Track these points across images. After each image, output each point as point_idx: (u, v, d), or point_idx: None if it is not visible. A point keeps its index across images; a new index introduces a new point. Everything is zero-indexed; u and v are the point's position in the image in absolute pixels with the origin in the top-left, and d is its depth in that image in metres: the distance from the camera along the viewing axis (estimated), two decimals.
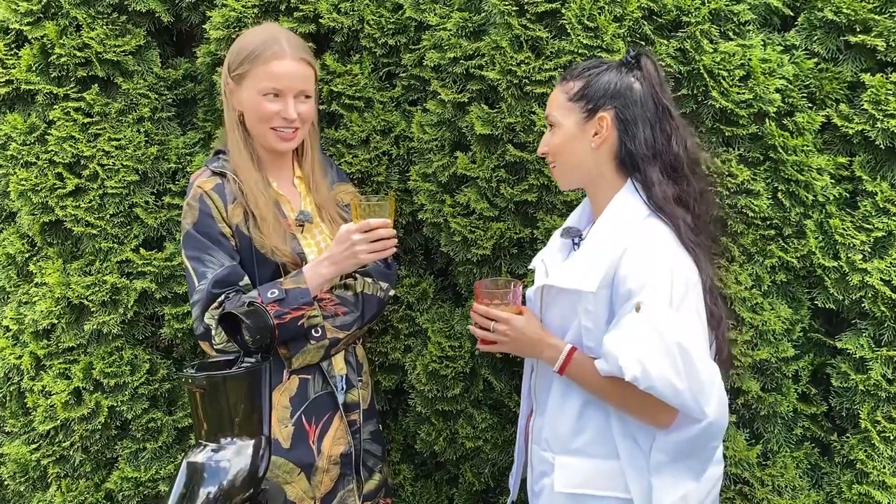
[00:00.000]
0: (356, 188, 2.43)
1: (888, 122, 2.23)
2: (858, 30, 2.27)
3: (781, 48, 2.34)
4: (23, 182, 2.64)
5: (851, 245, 2.28)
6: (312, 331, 2.12)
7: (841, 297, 2.32)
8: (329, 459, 2.17)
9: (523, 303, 2.01)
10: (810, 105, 2.34)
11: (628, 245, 1.75)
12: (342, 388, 2.23)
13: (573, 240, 1.96)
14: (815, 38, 2.33)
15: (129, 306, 2.66)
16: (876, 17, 2.24)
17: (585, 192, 1.98)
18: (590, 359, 1.82)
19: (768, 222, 2.34)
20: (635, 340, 1.69)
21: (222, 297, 2.04)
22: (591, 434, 1.85)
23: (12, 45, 2.68)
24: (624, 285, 1.73)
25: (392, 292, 2.32)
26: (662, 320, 1.69)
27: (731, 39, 2.32)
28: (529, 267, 2.12)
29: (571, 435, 1.87)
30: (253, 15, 2.50)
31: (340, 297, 2.20)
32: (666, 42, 2.30)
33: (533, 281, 2.14)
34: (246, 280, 2.09)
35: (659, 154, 1.82)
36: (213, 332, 2.03)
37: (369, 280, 2.26)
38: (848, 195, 2.35)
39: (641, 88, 1.83)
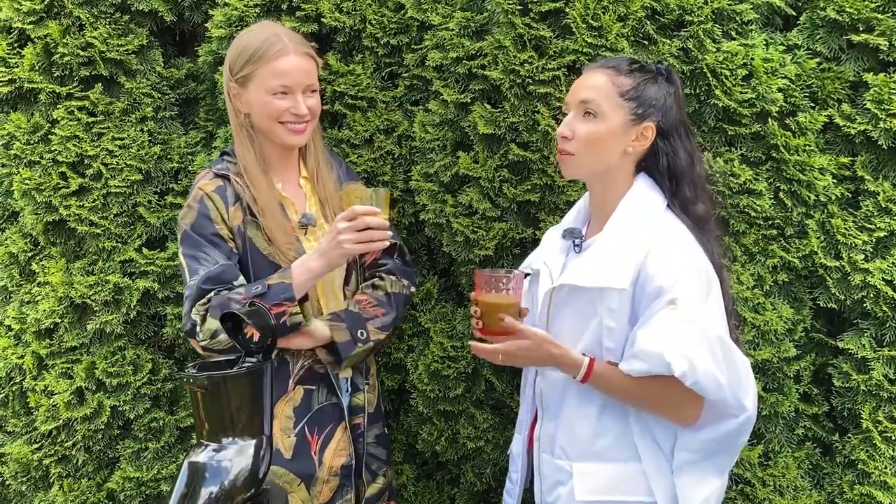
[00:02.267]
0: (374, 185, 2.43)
1: (891, 122, 2.22)
2: (861, 29, 2.27)
3: (784, 48, 2.34)
4: (26, 181, 2.65)
5: (853, 245, 2.28)
6: (359, 333, 2.10)
7: (843, 297, 2.32)
8: (330, 471, 2.16)
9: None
10: (812, 105, 2.34)
11: (653, 242, 1.75)
12: (347, 391, 2.22)
13: (574, 241, 1.94)
14: (818, 37, 2.32)
15: (132, 306, 2.66)
16: (878, 16, 2.24)
17: (587, 186, 1.97)
18: (610, 365, 1.79)
19: (770, 222, 2.34)
20: (677, 337, 1.67)
21: (211, 293, 2.03)
22: (611, 438, 1.83)
23: (15, 45, 2.69)
24: (652, 283, 1.72)
25: (413, 289, 2.30)
26: (700, 316, 1.69)
27: (734, 39, 2.31)
28: (523, 269, 2.08)
29: (591, 440, 1.84)
30: (255, 14, 2.50)
31: (376, 297, 2.19)
32: (669, 41, 2.30)
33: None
34: (240, 280, 2.07)
35: (689, 170, 1.84)
36: (198, 329, 2.01)
37: (393, 278, 2.25)
38: (850, 195, 2.35)
39: (675, 105, 1.84)
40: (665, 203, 1.84)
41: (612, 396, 1.82)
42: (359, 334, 2.11)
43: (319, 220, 2.21)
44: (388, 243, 2.03)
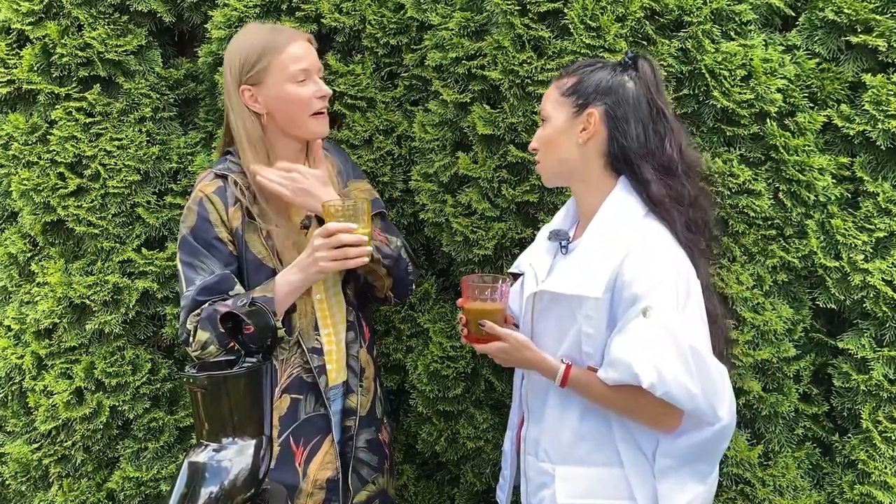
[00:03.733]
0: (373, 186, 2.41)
1: (889, 123, 2.22)
2: (860, 30, 2.27)
3: (783, 48, 2.34)
4: (25, 182, 2.65)
5: (853, 245, 2.28)
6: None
7: (842, 298, 2.32)
8: (314, 483, 2.12)
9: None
10: (811, 105, 2.34)
11: (630, 248, 1.74)
12: (341, 396, 2.20)
13: (560, 243, 1.93)
14: (817, 38, 2.33)
15: (131, 306, 2.66)
16: (877, 17, 2.24)
17: (571, 190, 1.96)
18: (588, 371, 1.79)
19: (770, 222, 2.34)
20: (648, 346, 1.66)
21: (206, 304, 2.02)
22: (592, 442, 1.82)
23: (14, 45, 2.69)
24: (629, 289, 1.71)
25: (411, 276, 2.25)
26: (674, 324, 1.67)
27: (733, 39, 2.31)
28: (512, 270, 2.07)
29: (573, 444, 1.84)
30: (254, 15, 2.50)
31: (386, 237, 2.18)
32: (668, 42, 2.30)
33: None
34: (237, 289, 2.05)
35: (652, 153, 1.80)
36: (191, 339, 2.01)
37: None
38: (849, 195, 2.35)
39: (635, 88, 1.81)
40: (646, 208, 1.82)
41: (592, 402, 1.81)
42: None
43: None
44: (366, 259, 1.99)
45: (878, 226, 2.27)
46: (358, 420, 2.20)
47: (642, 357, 1.66)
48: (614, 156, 1.82)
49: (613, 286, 1.74)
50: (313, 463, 2.13)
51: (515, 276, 2.10)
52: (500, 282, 1.87)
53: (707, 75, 2.27)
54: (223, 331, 1.71)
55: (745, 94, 2.26)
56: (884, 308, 2.26)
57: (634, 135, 1.80)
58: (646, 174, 1.80)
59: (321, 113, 2.12)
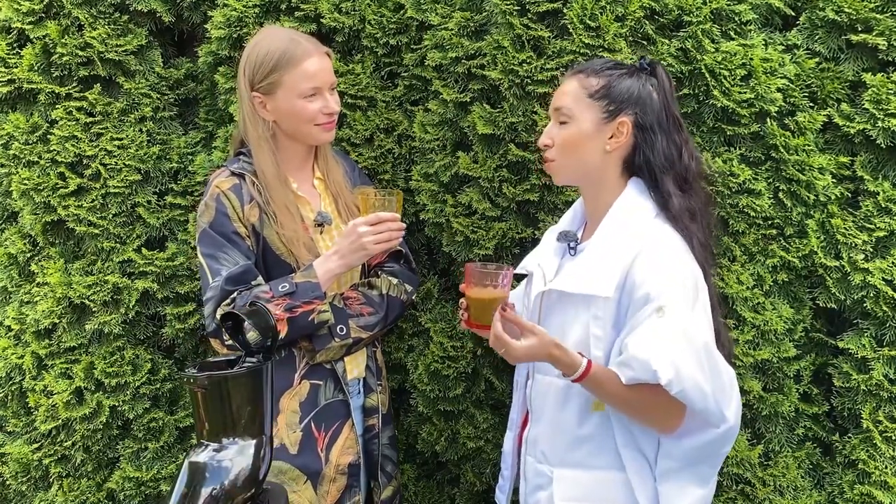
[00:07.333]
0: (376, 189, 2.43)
1: (889, 122, 2.22)
2: (860, 29, 2.27)
3: (783, 48, 2.34)
4: (25, 181, 2.65)
5: (853, 245, 2.28)
6: (338, 328, 2.12)
7: (843, 297, 2.32)
8: (336, 468, 2.16)
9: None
10: (812, 104, 2.34)
11: (641, 249, 1.74)
12: (359, 392, 2.24)
13: (569, 244, 1.93)
14: (817, 37, 2.32)
15: (131, 306, 2.66)
16: (877, 16, 2.24)
17: (580, 190, 1.96)
18: (606, 368, 1.75)
19: (770, 222, 2.34)
20: (665, 344, 1.65)
21: (235, 293, 2.04)
22: (592, 445, 1.82)
23: (14, 45, 2.69)
24: (640, 290, 1.70)
25: (415, 296, 2.32)
26: (688, 323, 1.67)
27: (733, 39, 2.31)
28: (519, 270, 2.06)
29: (571, 447, 1.83)
30: (254, 15, 2.50)
31: (366, 295, 2.21)
32: (667, 42, 2.30)
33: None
34: (259, 280, 2.09)
35: (672, 165, 1.81)
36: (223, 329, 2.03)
37: (395, 281, 2.26)
38: (850, 195, 2.35)
39: (657, 98, 1.82)
40: (656, 209, 1.82)
41: (602, 401, 1.80)
42: (338, 329, 2.13)
43: (335, 220, 2.23)
44: (400, 238, 2.13)
45: (878, 225, 2.26)
46: (381, 418, 2.26)
47: (660, 355, 1.65)
48: (637, 165, 1.83)
49: (623, 286, 1.74)
50: (335, 448, 2.17)
51: (520, 277, 2.09)
52: (504, 269, 1.87)
53: (707, 75, 2.26)
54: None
55: (745, 93, 2.26)
56: (884, 307, 2.26)
57: (660, 147, 1.81)
58: (667, 186, 1.81)
59: (327, 123, 2.16)
